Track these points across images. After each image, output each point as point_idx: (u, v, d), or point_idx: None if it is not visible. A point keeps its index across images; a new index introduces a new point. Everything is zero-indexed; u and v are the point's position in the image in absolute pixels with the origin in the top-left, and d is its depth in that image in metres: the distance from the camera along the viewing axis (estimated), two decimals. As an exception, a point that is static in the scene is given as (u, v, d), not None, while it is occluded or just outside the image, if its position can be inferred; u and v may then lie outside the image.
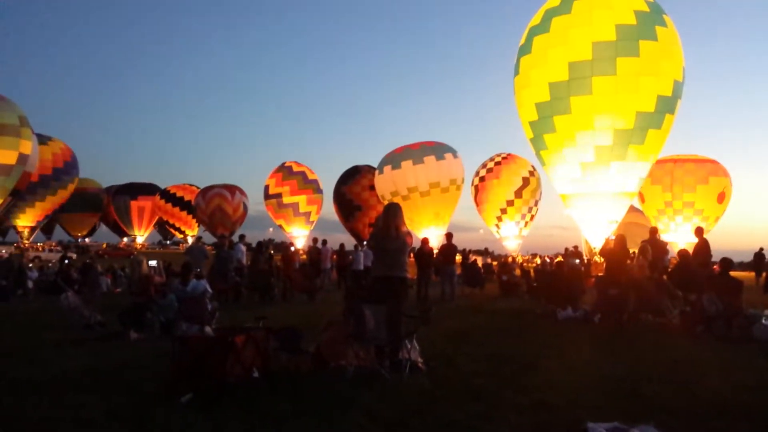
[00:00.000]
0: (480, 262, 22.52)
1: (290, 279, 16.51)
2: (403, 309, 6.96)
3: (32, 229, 40.53)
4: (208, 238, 44.58)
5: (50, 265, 22.84)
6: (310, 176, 37.85)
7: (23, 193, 32.97)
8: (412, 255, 15.28)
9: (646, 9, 17.38)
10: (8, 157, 28.11)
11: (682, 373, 6.84)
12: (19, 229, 39.89)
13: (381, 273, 7.03)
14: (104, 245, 58.55)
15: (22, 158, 29.02)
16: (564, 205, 19.99)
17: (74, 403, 5.20)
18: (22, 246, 40.13)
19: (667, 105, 17.47)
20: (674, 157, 26.17)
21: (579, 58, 17.10)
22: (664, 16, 17.69)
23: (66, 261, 19.24)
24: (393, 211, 7.19)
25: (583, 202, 19.07)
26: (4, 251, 34.04)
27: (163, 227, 53.26)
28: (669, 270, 12.14)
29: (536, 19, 18.81)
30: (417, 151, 28.53)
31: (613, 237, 12.33)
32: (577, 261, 17.82)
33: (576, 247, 23.36)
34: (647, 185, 25.06)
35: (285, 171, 37.47)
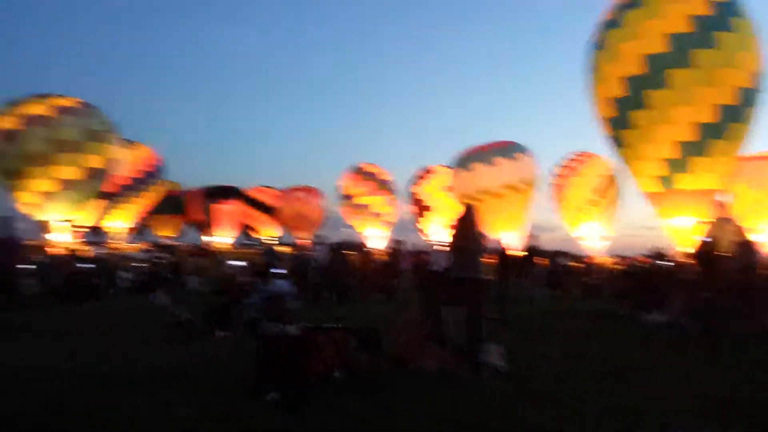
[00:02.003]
0: (560, 263, 21.98)
1: (367, 279, 16.68)
2: (482, 311, 6.92)
3: (124, 231, 42.62)
4: (288, 240, 45.65)
5: (140, 265, 23.88)
6: (384, 177, 38.08)
7: (115, 195, 34.74)
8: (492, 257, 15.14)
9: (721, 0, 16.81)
10: (98, 162, 29.67)
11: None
12: (112, 231, 42.05)
13: (460, 275, 7.01)
14: (190, 246, 60.85)
15: (111, 163, 30.56)
16: (648, 203, 19.33)
17: (166, 400, 5.41)
18: (114, 247, 42.25)
19: (749, 98, 16.73)
20: (762, 154, 24.84)
21: (655, 50, 16.58)
22: (741, 7, 17.02)
23: (155, 261, 20.10)
24: (470, 213, 7.20)
25: (667, 200, 18.40)
26: (98, 251, 35.88)
27: (244, 229, 54.92)
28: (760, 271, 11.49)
29: (609, 14, 18.37)
30: (486, 153, 28.18)
31: (704, 238, 11.78)
32: (664, 262, 17.13)
33: (661, 248, 22.46)
34: (735, 184, 23.90)
35: (359, 172, 37.87)
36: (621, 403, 5.35)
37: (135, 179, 38.74)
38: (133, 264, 23.47)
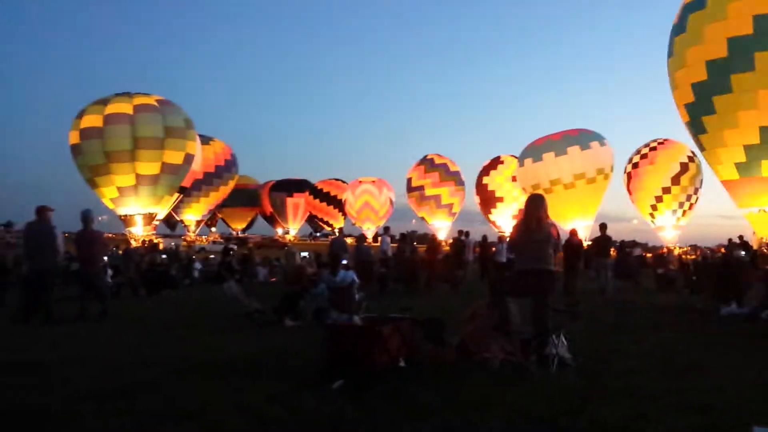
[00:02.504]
0: (631, 254, 21.36)
1: (433, 270, 16.66)
2: (549, 302, 6.80)
3: (197, 223, 44.10)
4: (355, 232, 46.17)
5: (212, 256, 24.69)
6: (452, 168, 37.93)
7: (189, 189, 35.96)
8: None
9: None
10: (177, 158, 30.77)
11: None
12: (186, 223, 43.58)
13: (526, 266, 6.90)
14: (260, 237, 62.40)
15: (189, 158, 31.64)
16: (727, 192, 18.52)
17: (234, 387, 5.59)
18: (188, 239, 43.78)
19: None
20: None
21: (739, 32, 15.80)
22: None
23: (228, 252, 20.70)
24: (536, 203, 7.07)
25: (747, 188, 17.59)
26: (173, 243, 37.27)
27: (313, 221, 55.88)
28: None
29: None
30: (559, 142, 27.56)
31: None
32: (743, 253, 16.38)
33: (741, 237, 21.52)
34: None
35: (427, 163, 37.85)
36: (697, 400, 5.15)
37: (209, 173, 40.03)
38: (206, 255, 24.24)
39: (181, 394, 5.38)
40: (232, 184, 42.86)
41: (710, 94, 16.94)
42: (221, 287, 12.41)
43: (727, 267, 13.59)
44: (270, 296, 11.57)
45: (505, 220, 34.83)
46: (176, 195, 33.01)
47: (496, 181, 35.47)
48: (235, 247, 27.45)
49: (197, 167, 34.37)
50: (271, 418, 4.69)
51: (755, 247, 20.38)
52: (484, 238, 21.22)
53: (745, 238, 22.01)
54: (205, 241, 49.19)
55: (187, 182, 33.44)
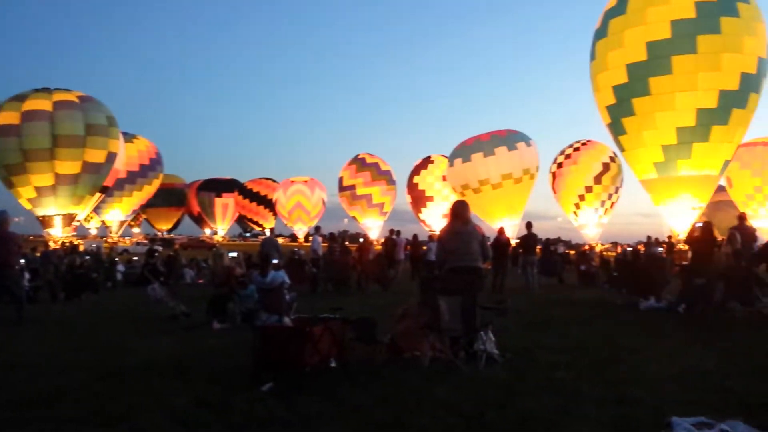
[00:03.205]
0: (555, 251, 22.00)
1: (364, 270, 16.67)
2: (478, 300, 6.93)
3: (121, 224, 42.59)
4: (286, 232, 45.70)
5: (136, 258, 23.88)
6: (383, 167, 38.09)
7: (112, 189, 34.68)
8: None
9: None
10: (98, 156, 29.59)
11: (775, 366, 6.50)
12: (108, 224, 42.01)
13: (456, 264, 7.04)
14: (187, 238, 60.91)
15: (111, 157, 30.48)
16: (646, 190, 19.32)
17: (161, 391, 5.44)
18: (111, 240, 42.24)
19: (751, 83, 16.61)
20: (763, 140, 24.85)
21: (657, 37, 16.48)
22: None
23: (152, 254, 20.07)
24: (464, 205, 7.34)
25: (665, 187, 18.40)
26: (94, 245, 35.87)
27: (242, 221, 54.97)
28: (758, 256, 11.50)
29: (612, 2, 18.26)
30: (487, 143, 28.12)
31: (700, 224, 11.79)
32: (660, 249, 17.15)
33: (670, 237, 22.52)
34: (735, 169, 23.91)
35: (358, 163, 37.86)
36: (619, 391, 5.35)
37: (133, 172, 38.72)
38: (129, 257, 23.45)
39: (105, 400, 5.20)
40: (157, 183, 41.62)
41: (630, 96, 17.57)
42: (145, 290, 12.03)
43: (643, 263, 14.20)
44: (197, 298, 11.31)
45: (435, 219, 35.25)
46: (98, 195, 31.77)
47: (426, 181, 35.88)
48: (160, 248, 26.63)
49: (120, 166, 33.18)
50: (198, 421, 4.58)
51: (671, 244, 21.40)
52: (415, 237, 21.42)
53: (661, 236, 23.08)
54: (128, 242, 47.57)
55: (109, 181, 32.23)
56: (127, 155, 35.67)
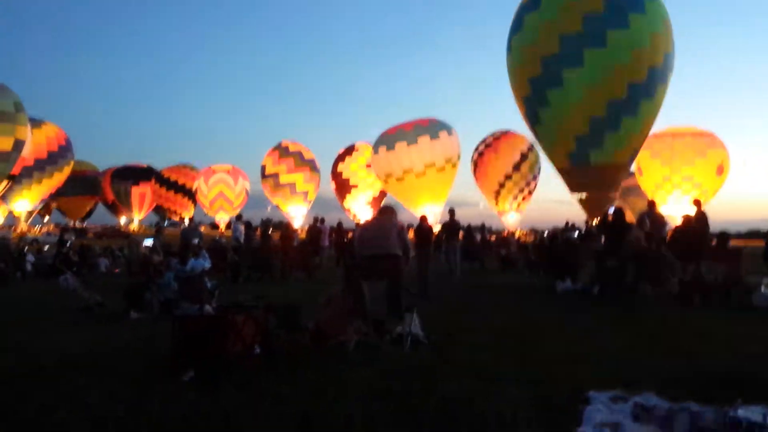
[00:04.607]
0: (477, 237, 22.49)
1: (289, 257, 16.50)
2: (401, 284, 6.98)
3: (29, 213, 40.44)
4: (207, 221, 44.69)
5: (47, 248, 22.76)
6: (307, 155, 37.76)
7: (18, 177, 32.87)
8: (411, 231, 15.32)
9: None
10: (5, 144, 28.00)
11: (683, 342, 6.86)
12: (16, 213, 39.81)
13: (373, 252, 7.18)
14: (101, 227, 58.54)
15: (18, 144, 28.91)
16: (561, 179, 19.93)
17: (74, 386, 5.18)
18: (19, 229, 40.07)
19: (658, 76, 17.41)
20: (672, 131, 26.12)
21: (570, 30, 16.99)
22: None
23: (64, 243, 19.16)
24: (383, 207, 7.58)
25: (578, 175, 19.03)
26: (0, 236, 33.94)
27: (159, 209, 53.25)
28: (668, 240, 12.12)
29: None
30: (410, 132, 28.33)
31: (612, 209, 12.29)
32: (575, 234, 17.81)
33: (586, 223, 23.34)
34: (645, 159, 25.03)
35: (281, 150, 37.36)
36: (537, 371, 5.50)
37: (41, 160, 36.81)
38: (39, 247, 22.31)
39: (15, 398, 4.91)
40: (67, 170, 39.75)
41: (544, 88, 18.02)
42: (57, 281, 11.46)
43: (560, 248, 14.70)
44: (112, 288, 10.85)
45: (359, 206, 35.28)
46: (5, 183, 30.06)
47: (350, 169, 35.81)
48: (73, 237, 25.44)
49: (27, 153, 31.49)
50: (113, 417, 4.39)
51: (585, 229, 22.22)
52: (339, 224, 21.35)
53: (576, 222, 23.90)
54: (38, 232, 45.27)
55: (16, 169, 30.55)
56: (34, 142, 33.89)
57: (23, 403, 4.81)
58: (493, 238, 27.99)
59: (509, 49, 19.26)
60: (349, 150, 36.55)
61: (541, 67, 17.72)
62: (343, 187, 36.12)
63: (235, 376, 5.38)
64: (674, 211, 25.10)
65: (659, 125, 20.84)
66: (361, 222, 24.59)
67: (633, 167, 23.31)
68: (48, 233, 44.57)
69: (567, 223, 22.76)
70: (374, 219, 7.44)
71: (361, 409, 4.52)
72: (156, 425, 4.28)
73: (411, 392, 4.87)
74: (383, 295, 6.86)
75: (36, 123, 35.60)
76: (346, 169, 35.98)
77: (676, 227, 12.87)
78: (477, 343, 6.84)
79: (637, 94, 17.19)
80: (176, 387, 5.07)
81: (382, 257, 7.03)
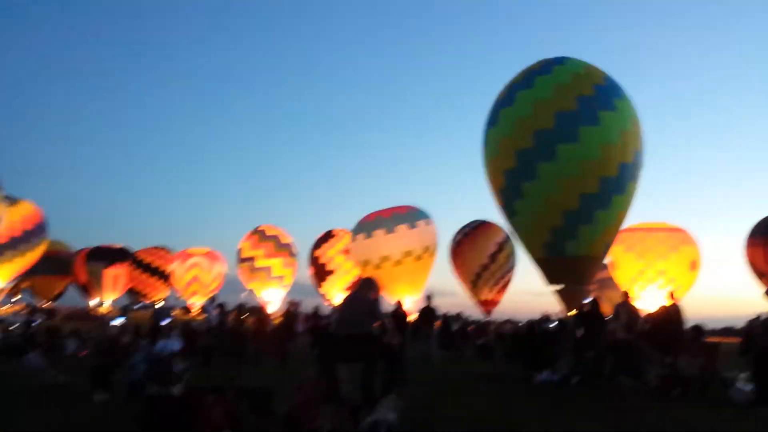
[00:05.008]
0: (453, 326, 22.33)
1: (262, 342, 16.18)
2: (376, 367, 6.85)
3: (0, 291, 39.46)
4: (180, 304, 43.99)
5: (12, 328, 22.09)
6: (284, 240, 37.69)
7: (-9, 254, 32.30)
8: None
9: (603, 83, 18.25)
10: (-22, 221, 27.63)
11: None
12: (-15, 292, 38.78)
13: (346, 331, 7.10)
14: (70, 309, 57.07)
15: (-8, 221, 28.55)
16: (537, 270, 20.06)
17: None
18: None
19: (629, 172, 17.98)
20: (646, 226, 26.65)
21: (544, 126, 17.63)
22: (622, 92, 18.56)
23: (30, 323, 18.65)
24: (359, 281, 7.49)
25: (553, 266, 19.19)
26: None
27: (132, 291, 52.28)
28: (644, 332, 12.14)
29: (502, 94, 19.52)
30: (388, 220, 28.53)
31: (589, 300, 12.35)
32: (552, 325, 17.78)
33: (549, 312, 23.31)
34: (620, 252, 25.39)
35: (258, 234, 37.29)
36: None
37: (15, 238, 36.25)
38: (6, 327, 21.66)
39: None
40: (41, 249, 39.07)
41: (520, 181, 18.45)
42: (21, 360, 11.07)
43: (538, 338, 14.61)
44: (80, 369, 10.48)
45: (335, 291, 35.00)
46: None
47: (327, 255, 35.72)
48: (40, 319, 24.75)
49: (1, 230, 31.08)
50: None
51: (562, 320, 22.18)
52: (316, 309, 21.12)
53: (553, 313, 23.86)
54: (7, 311, 44.02)
55: (-11, 246, 30.06)
56: (8, 220, 33.52)
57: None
58: (471, 327, 27.75)
59: (485, 142, 19.84)
60: (326, 236, 36.63)
61: (516, 159, 18.21)
62: (319, 272, 35.92)
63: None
64: (650, 305, 25.24)
65: (631, 221, 21.28)
66: (335, 306, 24.37)
67: (606, 261, 23.59)
68: (15, 313, 43.38)
69: (543, 315, 22.73)
70: (351, 294, 7.34)
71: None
72: None
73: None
74: (359, 379, 6.70)
75: (12, 200, 35.35)
76: (323, 254, 35.91)
77: (650, 315, 12.94)
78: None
79: (609, 188, 17.64)
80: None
81: (357, 337, 6.93)
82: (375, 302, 7.09)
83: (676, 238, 26.70)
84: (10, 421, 7.13)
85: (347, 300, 7.24)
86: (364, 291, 7.24)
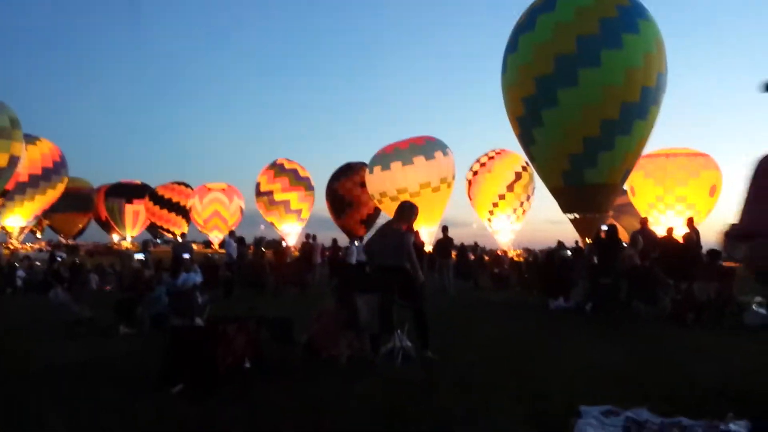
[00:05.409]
0: (470, 256, 22.48)
1: (281, 274, 16.45)
2: (395, 299, 6.92)
3: (22, 229, 40.21)
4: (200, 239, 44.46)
5: (38, 264, 22.61)
6: (302, 173, 37.76)
7: (12, 193, 32.74)
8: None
9: (627, 3, 17.53)
10: (1, 160, 27.91)
11: (675, 359, 6.84)
12: (8, 230, 39.57)
13: (374, 263, 7.10)
14: (93, 245, 58.19)
15: (13, 160, 28.84)
16: (554, 198, 19.99)
17: (65, 396, 5.14)
18: (11, 246, 39.81)
19: (651, 96, 17.54)
20: (666, 151, 26.25)
21: (564, 51, 17.14)
22: (646, 12, 17.86)
23: (55, 259, 19.07)
24: (398, 209, 7.26)
25: (571, 195, 19.10)
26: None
27: (153, 227, 53.03)
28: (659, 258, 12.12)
29: (522, 19, 18.92)
30: (406, 151, 28.34)
31: (605, 227, 12.32)
32: (569, 253, 17.81)
33: (577, 242, 23.31)
34: (639, 178, 25.15)
35: (276, 168, 37.36)
36: (531, 388, 5.46)
37: (35, 176, 36.65)
38: (31, 264, 22.15)
39: (3, 407, 4.86)
40: (61, 187, 39.54)
41: (539, 108, 18.14)
42: (47, 295, 11.37)
43: (554, 266, 14.69)
44: (103, 304, 10.77)
45: (355, 224, 35.25)
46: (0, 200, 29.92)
47: (345, 187, 35.83)
48: (64, 255, 25.26)
49: (22, 169, 31.39)
50: (103, 427, 4.34)
51: (578, 247, 22.23)
52: (335, 241, 21.32)
53: (569, 241, 23.90)
54: (30, 248, 44.96)
55: (10, 185, 30.42)
56: (28, 158, 33.80)
57: (13, 409, 4.77)
58: (487, 257, 27.95)
59: (504, 68, 19.42)
60: (345, 169, 36.60)
61: (535, 87, 17.85)
62: (337, 205, 36.10)
63: (226, 388, 5.33)
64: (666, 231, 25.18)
65: (651, 146, 20.97)
66: (353, 239, 24.57)
67: (626, 186, 23.41)
68: (39, 250, 44.29)
69: (558, 243, 22.77)
70: (385, 225, 7.34)
71: (354, 423, 4.49)
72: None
73: (403, 406, 4.83)
74: (377, 309, 6.80)
75: (31, 139, 35.53)
76: (342, 187, 35.99)
77: (664, 239, 12.88)
78: (469, 359, 6.81)
79: (630, 114, 17.31)
80: (166, 398, 5.02)
81: (380, 269, 6.97)
82: (404, 235, 6.97)
83: (698, 163, 26.29)
84: (36, 354, 7.39)
85: (380, 229, 7.24)
86: (398, 223, 7.18)
